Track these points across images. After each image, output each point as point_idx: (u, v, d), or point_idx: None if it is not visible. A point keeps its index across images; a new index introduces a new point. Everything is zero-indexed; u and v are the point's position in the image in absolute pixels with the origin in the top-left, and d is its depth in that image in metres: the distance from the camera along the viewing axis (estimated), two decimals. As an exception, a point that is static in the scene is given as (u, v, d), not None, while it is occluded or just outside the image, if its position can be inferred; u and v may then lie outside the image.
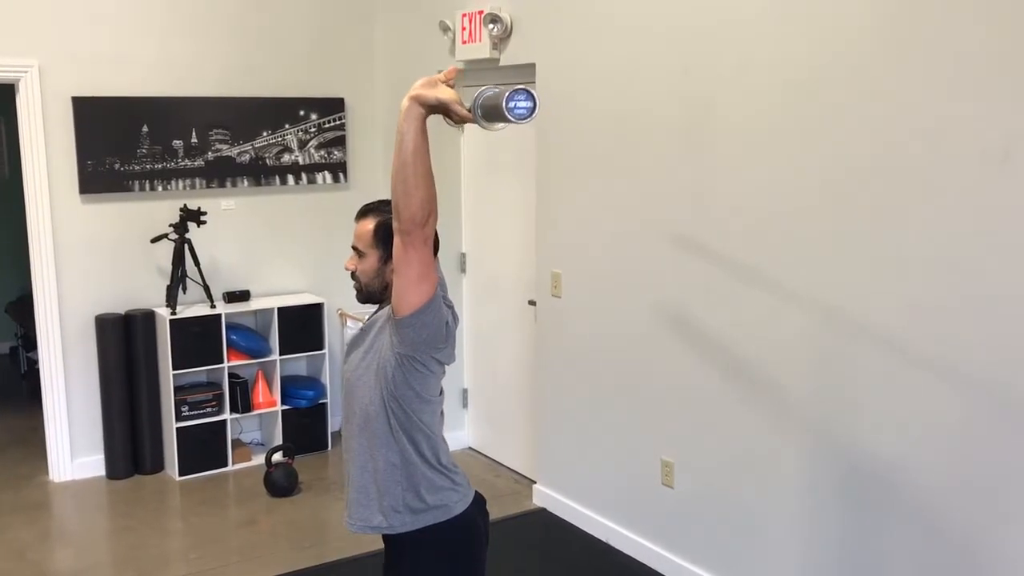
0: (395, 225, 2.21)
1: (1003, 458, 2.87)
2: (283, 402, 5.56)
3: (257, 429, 5.81)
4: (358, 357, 2.46)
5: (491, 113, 2.11)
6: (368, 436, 2.42)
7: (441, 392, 2.48)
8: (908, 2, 3.00)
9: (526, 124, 2.13)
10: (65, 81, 5.06)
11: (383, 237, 2.40)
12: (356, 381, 2.44)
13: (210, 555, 4.39)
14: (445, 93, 2.15)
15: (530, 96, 2.08)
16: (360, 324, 5.58)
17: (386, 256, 2.40)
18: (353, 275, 2.50)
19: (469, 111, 2.15)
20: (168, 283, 5.28)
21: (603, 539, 4.47)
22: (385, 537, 2.54)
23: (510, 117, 2.06)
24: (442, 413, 2.51)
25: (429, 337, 2.32)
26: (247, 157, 5.57)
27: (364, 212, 2.49)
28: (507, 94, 2.05)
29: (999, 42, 2.78)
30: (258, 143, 5.59)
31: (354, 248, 2.48)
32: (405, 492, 2.42)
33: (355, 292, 2.52)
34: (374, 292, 2.48)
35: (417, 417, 2.40)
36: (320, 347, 5.63)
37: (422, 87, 2.15)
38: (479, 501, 2.56)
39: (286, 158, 5.69)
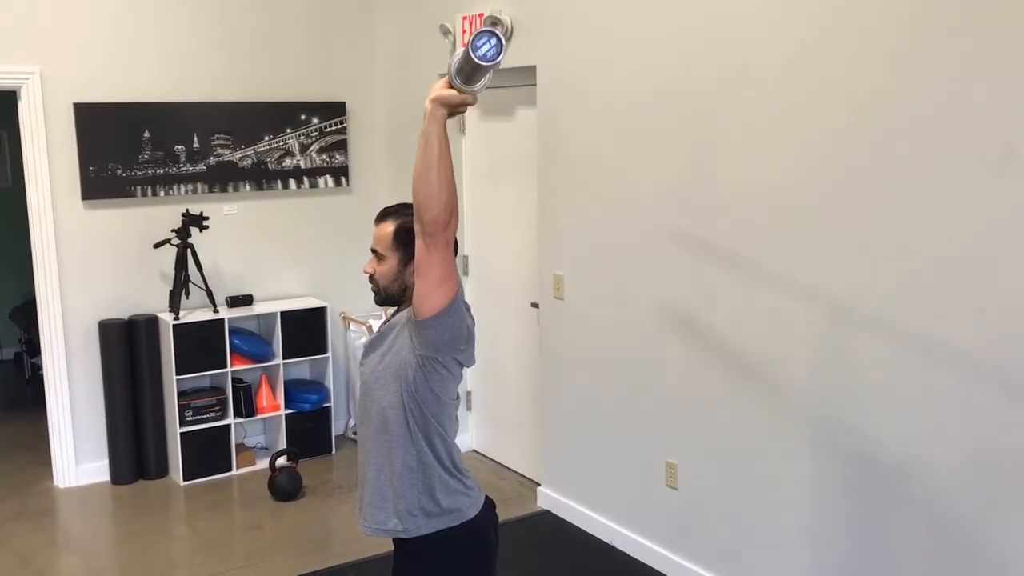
0: (417, 228, 2.23)
1: (1008, 451, 2.87)
2: (287, 406, 5.56)
3: (261, 433, 5.82)
4: (376, 360, 2.47)
5: (467, 71, 2.10)
6: (386, 438, 2.43)
7: (457, 396, 2.49)
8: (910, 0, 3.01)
9: (499, 64, 2.07)
10: (66, 87, 5.07)
11: (403, 240, 2.42)
12: (374, 383, 2.45)
13: (215, 560, 4.40)
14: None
15: (489, 33, 2.04)
16: (363, 327, 5.60)
17: (406, 259, 2.42)
18: (371, 278, 2.50)
19: (457, 89, 2.15)
20: (171, 288, 5.29)
21: (608, 541, 4.47)
22: (396, 541, 2.54)
23: (481, 62, 2.04)
24: (456, 418, 2.51)
25: (451, 338, 2.33)
26: (249, 161, 5.58)
27: (384, 215, 2.50)
28: (471, 42, 2.03)
29: (1002, 39, 2.78)
30: (260, 147, 5.60)
31: (373, 251, 2.49)
32: (421, 495, 2.42)
33: (373, 295, 2.52)
34: (393, 295, 2.49)
35: (435, 420, 2.41)
36: (323, 351, 5.64)
37: (443, 88, 2.17)
38: (489, 506, 2.57)
39: (288, 162, 5.69)
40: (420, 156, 2.18)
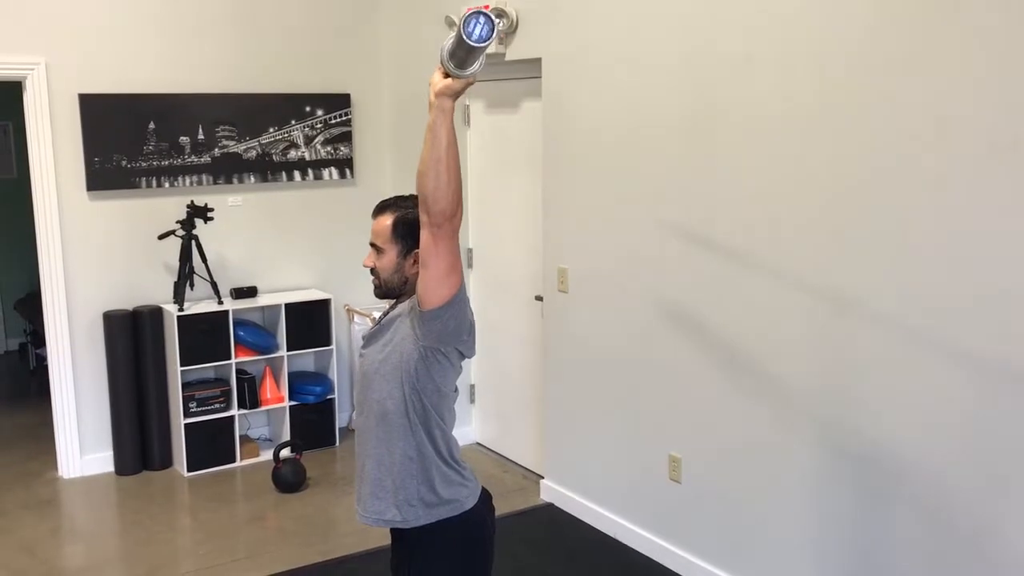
0: (423, 219, 2.24)
1: (1010, 448, 2.86)
2: (291, 398, 5.57)
3: (265, 425, 5.83)
4: (376, 351, 2.47)
5: (460, 55, 2.10)
6: (385, 429, 2.43)
7: (456, 388, 2.50)
8: (915, -5, 3.00)
9: (491, 45, 2.08)
10: (72, 78, 5.07)
11: (402, 233, 2.43)
12: (373, 375, 2.45)
13: (219, 551, 4.41)
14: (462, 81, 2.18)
15: (479, 14, 2.04)
16: (367, 319, 5.60)
17: (405, 251, 2.43)
18: (372, 271, 2.51)
19: (448, 76, 2.15)
20: (175, 280, 5.29)
21: (610, 534, 4.47)
22: (394, 533, 2.55)
23: (475, 44, 2.04)
24: (455, 410, 2.52)
25: (456, 328, 2.35)
26: (254, 153, 5.58)
27: (381, 208, 2.50)
28: (462, 26, 2.03)
29: (1006, 32, 2.77)
30: (264, 139, 5.60)
31: (372, 245, 2.49)
32: (420, 486, 2.43)
33: (373, 288, 2.53)
34: (393, 288, 2.49)
35: (435, 411, 2.42)
36: (327, 343, 5.64)
37: (442, 79, 2.17)
38: (486, 497, 2.58)
39: (292, 154, 5.69)
40: (428, 149, 2.18)
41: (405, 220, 2.41)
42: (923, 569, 3.13)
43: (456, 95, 2.17)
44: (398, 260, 2.45)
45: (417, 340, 2.35)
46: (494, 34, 2.05)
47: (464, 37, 2.03)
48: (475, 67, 2.14)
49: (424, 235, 2.25)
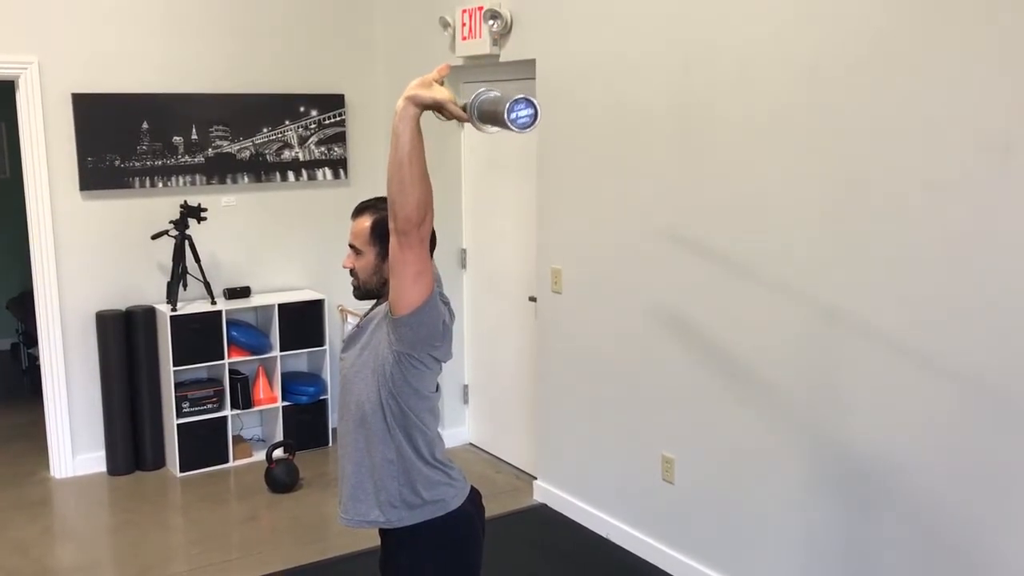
0: (391, 225, 2.23)
1: (999, 456, 2.88)
2: (284, 398, 5.57)
3: (258, 425, 5.82)
4: (355, 353, 2.47)
5: (488, 117, 2.10)
6: (364, 432, 2.43)
7: (437, 388, 2.49)
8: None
9: (526, 133, 2.10)
10: (65, 78, 5.06)
11: (380, 234, 2.41)
12: (353, 377, 2.45)
13: (211, 551, 4.40)
14: (440, 93, 2.18)
15: (531, 104, 2.06)
16: (359, 320, 5.59)
17: (384, 253, 2.41)
18: (351, 272, 2.51)
19: (464, 109, 2.15)
20: (169, 279, 5.29)
21: (604, 535, 4.48)
22: (382, 531, 2.55)
23: (512, 127, 2.05)
24: (437, 410, 2.51)
25: (427, 335, 2.34)
26: (247, 153, 5.57)
27: (361, 210, 2.50)
28: (509, 104, 2.03)
29: (998, 35, 2.78)
30: (258, 139, 5.59)
31: (351, 246, 2.49)
32: (402, 487, 2.43)
33: (352, 289, 2.53)
34: (372, 289, 2.50)
35: (414, 414, 2.41)
36: (321, 343, 5.64)
37: (417, 87, 2.17)
38: (475, 496, 2.57)
39: (286, 154, 5.69)
40: (391, 154, 2.18)
41: (384, 222, 2.38)
42: (912, 573, 3.14)
43: (424, 107, 2.16)
44: (376, 262, 2.45)
45: (391, 345, 2.35)
46: (531, 129, 2.06)
47: (506, 113, 2.03)
48: (489, 128, 2.14)
49: (392, 241, 2.24)
